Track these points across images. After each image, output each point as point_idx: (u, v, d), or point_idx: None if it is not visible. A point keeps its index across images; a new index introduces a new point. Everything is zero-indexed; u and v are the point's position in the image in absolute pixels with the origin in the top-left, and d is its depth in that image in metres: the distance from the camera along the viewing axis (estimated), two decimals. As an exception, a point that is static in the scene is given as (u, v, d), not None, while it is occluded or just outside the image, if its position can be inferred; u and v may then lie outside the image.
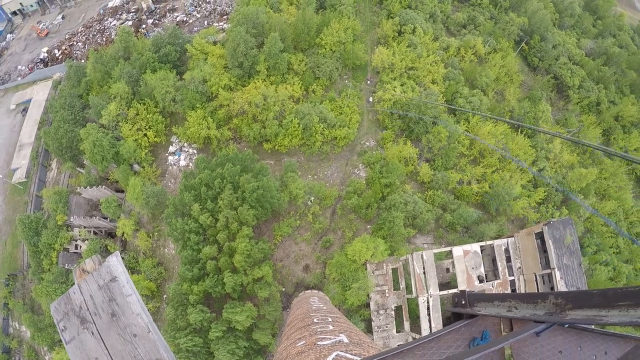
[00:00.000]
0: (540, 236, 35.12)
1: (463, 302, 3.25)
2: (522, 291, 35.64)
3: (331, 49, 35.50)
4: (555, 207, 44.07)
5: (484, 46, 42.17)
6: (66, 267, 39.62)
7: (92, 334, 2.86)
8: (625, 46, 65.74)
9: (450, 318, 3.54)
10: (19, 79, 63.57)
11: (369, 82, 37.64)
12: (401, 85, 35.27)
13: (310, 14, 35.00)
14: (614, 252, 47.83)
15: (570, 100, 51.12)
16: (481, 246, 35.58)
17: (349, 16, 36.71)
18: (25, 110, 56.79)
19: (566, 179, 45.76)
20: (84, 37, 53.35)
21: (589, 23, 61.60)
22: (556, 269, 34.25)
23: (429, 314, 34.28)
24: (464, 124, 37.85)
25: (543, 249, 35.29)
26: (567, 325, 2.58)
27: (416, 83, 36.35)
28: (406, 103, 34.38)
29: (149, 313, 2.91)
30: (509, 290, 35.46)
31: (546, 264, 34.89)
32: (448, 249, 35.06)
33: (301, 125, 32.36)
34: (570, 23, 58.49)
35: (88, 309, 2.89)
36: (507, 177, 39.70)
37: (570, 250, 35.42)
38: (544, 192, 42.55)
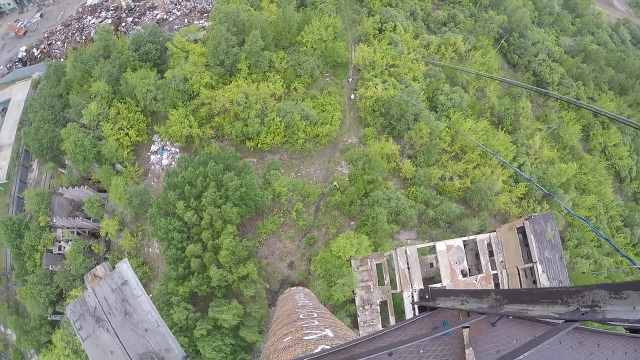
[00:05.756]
0: (522, 231, 36.10)
1: (427, 297, 3.68)
2: (506, 285, 36.57)
3: (312, 47, 35.67)
4: (537, 201, 45.06)
5: (464, 44, 42.86)
6: (50, 269, 39.17)
7: (107, 330, 3.27)
8: (604, 44, 67.42)
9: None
10: (-3, 78, 61.98)
11: (350, 79, 37.96)
12: (383, 82, 35.68)
13: (290, 11, 35.10)
14: (594, 246, 49.07)
15: (550, 97, 52.23)
16: (464, 241, 36.33)
17: (329, 14, 36.96)
18: (4, 110, 55.51)
19: (546, 175, 46.75)
20: (62, 36, 52.33)
21: (568, 21, 62.99)
22: (538, 263, 35.26)
23: (413, 309, 34.87)
24: (445, 121, 38.46)
25: (525, 243, 36.25)
26: (510, 317, 3.08)
27: (397, 80, 36.81)
28: (388, 100, 34.80)
29: (157, 311, 3.31)
30: (492, 284, 36.32)
31: (528, 257, 35.86)
32: (431, 244, 35.66)
33: (283, 123, 32.52)
34: (550, 21, 59.74)
35: (103, 310, 3.30)
36: (488, 172, 40.45)
37: (551, 244, 36.47)
38: (525, 187, 43.36)
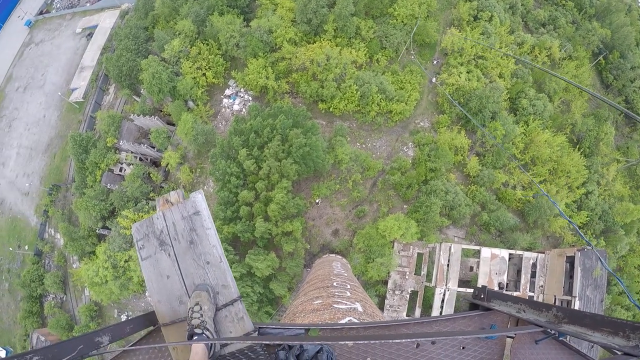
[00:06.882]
0: (570, 260, 34.13)
1: (482, 296, 3.53)
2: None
3: (402, 22, 34.66)
4: (594, 235, 42.31)
5: (560, 50, 39.93)
6: (108, 187, 41.80)
7: (169, 255, 3.18)
8: None
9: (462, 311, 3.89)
10: (88, 4, 65.91)
11: (435, 62, 36.67)
12: (467, 72, 34.16)
13: (388, -19, 34.09)
14: (639, 300, 45.78)
15: (637, 129, 48.01)
16: (510, 254, 34.99)
17: (427, -9, 35.58)
18: (90, 35, 59.09)
19: (612, 210, 43.79)
20: (157, -27, 54.24)
21: (676, 51, 56.93)
22: (577, 298, 33.41)
23: (441, 307, 34.26)
24: (522, 126, 36.49)
25: (570, 275, 34.33)
26: (561, 338, 3.07)
27: (483, 73, 35.13)
28: (469, 91, 33.36)
29: (222, 247, 3.20)
30: (525, 305, 34.87)
31: (569, 290, 33.98)
32: (477, 248, 34.64)
33: (359, 92, 32.12)
34: (656, 47, 54.27)
35: (169, 234, 3.19)
36: (553, 191, 38.30)
37: (596, 283, 34.33)
38: (587, 216, 40.88)
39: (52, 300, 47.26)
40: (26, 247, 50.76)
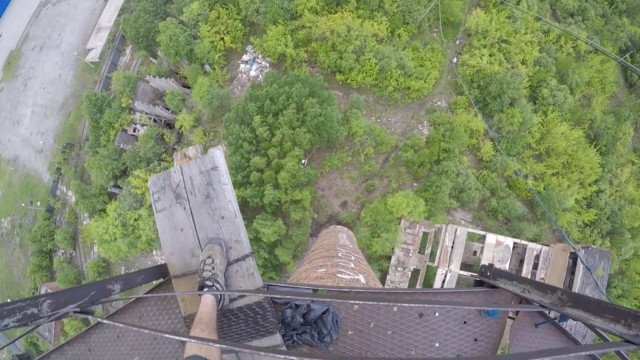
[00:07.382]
0: (573, 257, 34.07)
1: (488, 274, 3.57)
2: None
3: (428, -2, 34.11)
4: (600, 234, 42.17)
5: (587, 43, 39.01)
6: (121, 146, 42.20)
7: (184, 208, 3.16)
8: None
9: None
10: (108, -34, 65.10)
11: (457, 42, 36.08)
12: (489, 55, 33.62)
13: (416, -45, 33.29)
14: (636, 305, 45.83)
15: (656, 130, 47.05)
16: (515, 243, 34.95)
17: (455, -32, 34.73)
18: (109, -4, 58.63)
19: (621, 212, 43.50)
20: (181, -64, 53.43)
21: None
22: None
23: (441, 288, 34.52)
24: (540, 116, 36.03)
25: (572, 271, 34.35)
26: (561, 322, 3.08)
27: (505, 58, 34.56)
28: (489, 75, 32.90)
29: (237, 203, 3.20)
30: (523, 295, 35.18)
31: (569, 286, 34.05)
32: (483, 233, 34.66)
33: (378, 66, 31.80)
34: (685, 49, 52.70)
35: (185, 188, 3.16)
36: (565, 185, 38.01)
37: (596, 283, 34.26)
38: (595, 215, 40.65)
39: (62, 255, 48.29)
40: (38, 204, 51.70)
